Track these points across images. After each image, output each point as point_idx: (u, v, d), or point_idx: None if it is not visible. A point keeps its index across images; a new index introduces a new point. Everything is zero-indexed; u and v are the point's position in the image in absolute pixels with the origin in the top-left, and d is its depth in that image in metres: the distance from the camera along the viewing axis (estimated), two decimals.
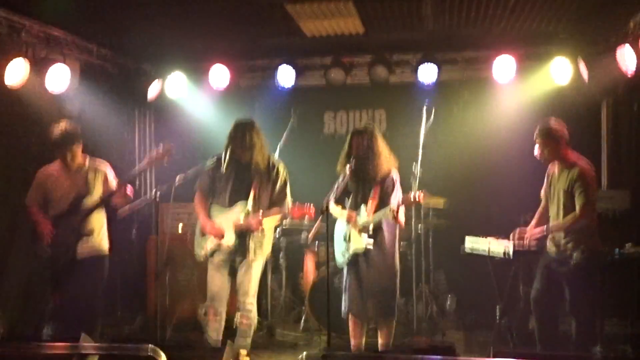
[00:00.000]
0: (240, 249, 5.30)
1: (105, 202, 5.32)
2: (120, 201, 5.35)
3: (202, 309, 5.46)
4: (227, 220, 5.29)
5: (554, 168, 5.15)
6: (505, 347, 5.33)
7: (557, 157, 5.06)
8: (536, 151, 5.11)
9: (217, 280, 5.36)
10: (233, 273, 5.37)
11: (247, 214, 5.25)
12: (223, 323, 5.40)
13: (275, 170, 5.41)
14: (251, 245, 5.30)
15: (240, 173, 5.34)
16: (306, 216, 6.78)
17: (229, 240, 5.27)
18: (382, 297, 5.20)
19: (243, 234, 5.28)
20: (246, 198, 5.29)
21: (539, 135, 5.08)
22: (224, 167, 5.32)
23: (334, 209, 5.37)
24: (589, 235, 4.91)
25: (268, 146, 5.47)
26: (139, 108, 7.99)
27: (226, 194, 5.36)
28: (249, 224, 5.24)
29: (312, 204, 5.27)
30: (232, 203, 5.33)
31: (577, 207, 4.88)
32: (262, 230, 5.33)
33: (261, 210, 5.25)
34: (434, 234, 6.74)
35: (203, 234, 5.40)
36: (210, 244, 5.34)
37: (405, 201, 5.09)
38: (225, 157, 5.34)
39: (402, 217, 5.21)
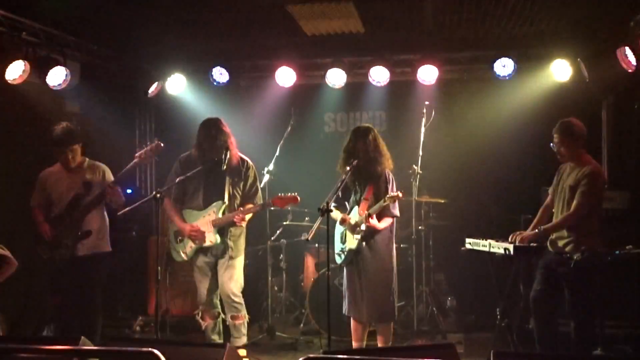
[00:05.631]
0: (220, 249, 5.31)
1: (103, 201, 5.32)
2: (114, 200, 5.35)
3: (198, 313, 5.47)
4: (205, 221, 5.27)
5: (566, 166, 5.14)
6: (505, 348, 5.33)
7: (573, 155, 5.02)
8: (554, 147, 5.06)
9: (205, 282, 5.37)
10: (217, 272, 5.37)
11: (224, 212, 5.25)
12: (221, 323, 5.42)
13: (245, 166, 5.40)
14: (230, 243, 5.30)
15: (212, 173, 5.28)
16: (306, 217, 6.86)
17: (211, 240, 5.26)
18: (377, 299, 5.18)
19: (223, 233, 5.27)
20: (220, 198, 5.27)
21: (558, 131, 5.03)
22: (194, 168, 5.22)
23: (334, 212, 5.34)
24: (589, 236, 4.91)
25: (236, 143, 5.39)
26: (139, 107, 8.00)
27: (200, 196, 5.33)
28: (229, 219, 5.22)
29: (296, 193, 5.27)
30: (207, 204, 5.30)
31: (573, 204, 4.87)
32: (240, 226, 5.34)
33: (241, 208, 5.24)
34: (434, 234, 6.74)
35: (179, 239, 5.38)
36: (189, 247, 5.32)
37: (389, 199, 5.10)
38: (195, 159, 5.30)
39: (396, 211, 5.25)
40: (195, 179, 5.29)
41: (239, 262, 5.39)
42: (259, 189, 5.49)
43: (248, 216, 5.35)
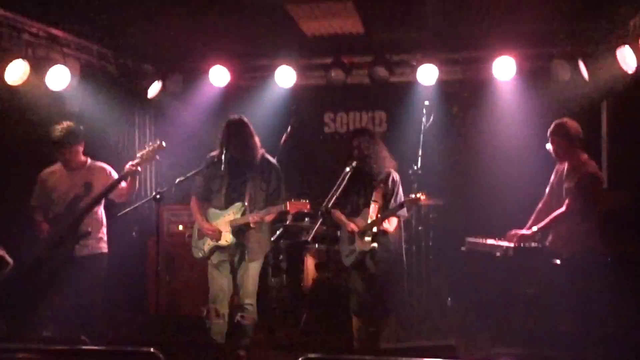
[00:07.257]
0: (239, 249, 5.31)
1: (104, 200, 5.32)
2: (119, 196, 5.35)
3: (204, 310, 5.47)
4: (224, 220, 5.29)
5: (563, 165, 5.14)
6: (505, 347, 5.33)
7: (570, 156, 5.03)
8: (549, 148, 5.07)
9: (218, 281, 5.37)
10: (232, 273, 5.37)
11: (244, 213, 5.25)
12: (226, 323, 5.41)
13: (269, 168, 5.38)
14: (249, 244, 5.30)
15: (234, 173, 5.28)
16: (306, 218, 6.87)
17: (226, 239, 5.27)
18: (390, 296, 5.19)
19: (241, 234, 5.27)
20: (242, 199, 5.28)
21: (553, 133, 5.04)
22: (218, 167, 5.24)
23: (338, 216, 5.34)
24: (589, 236, 4.91)
25: (260, 143, 5.39)
26: (139, 108, 7.99)
27: (222, 196, 5.34)
28: (244, 221, 5.21)
29: (307, 200, 5.24)
30: (228, 204, 5.31)
31: (565, 202, 4.89)
32: (260, 229, 5.32)
33: (256, 211, 5.22)
34: (434, 234, 6.74)
35: (200, 236, 5.41)
36: (207, 245, 5.36)
37: (408, 202, 5.10)
38: (219, 158, 5.29)
39: (404, 212, 5.26)
40: (218, 179, 5.33)
41: (255, 265, 5.37)
42: (283, 191, 5.41)
43: (267, 219, 5.30)
